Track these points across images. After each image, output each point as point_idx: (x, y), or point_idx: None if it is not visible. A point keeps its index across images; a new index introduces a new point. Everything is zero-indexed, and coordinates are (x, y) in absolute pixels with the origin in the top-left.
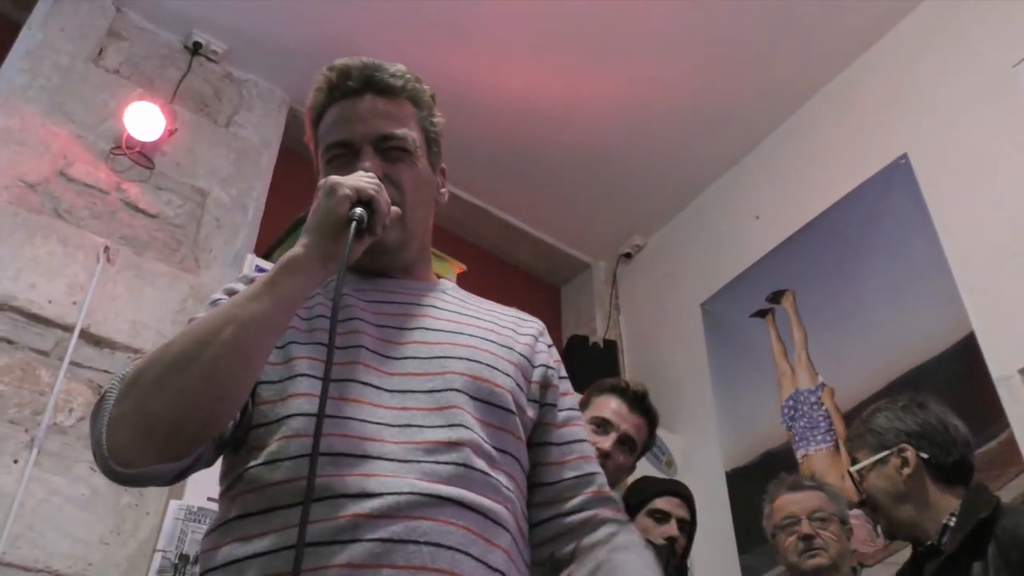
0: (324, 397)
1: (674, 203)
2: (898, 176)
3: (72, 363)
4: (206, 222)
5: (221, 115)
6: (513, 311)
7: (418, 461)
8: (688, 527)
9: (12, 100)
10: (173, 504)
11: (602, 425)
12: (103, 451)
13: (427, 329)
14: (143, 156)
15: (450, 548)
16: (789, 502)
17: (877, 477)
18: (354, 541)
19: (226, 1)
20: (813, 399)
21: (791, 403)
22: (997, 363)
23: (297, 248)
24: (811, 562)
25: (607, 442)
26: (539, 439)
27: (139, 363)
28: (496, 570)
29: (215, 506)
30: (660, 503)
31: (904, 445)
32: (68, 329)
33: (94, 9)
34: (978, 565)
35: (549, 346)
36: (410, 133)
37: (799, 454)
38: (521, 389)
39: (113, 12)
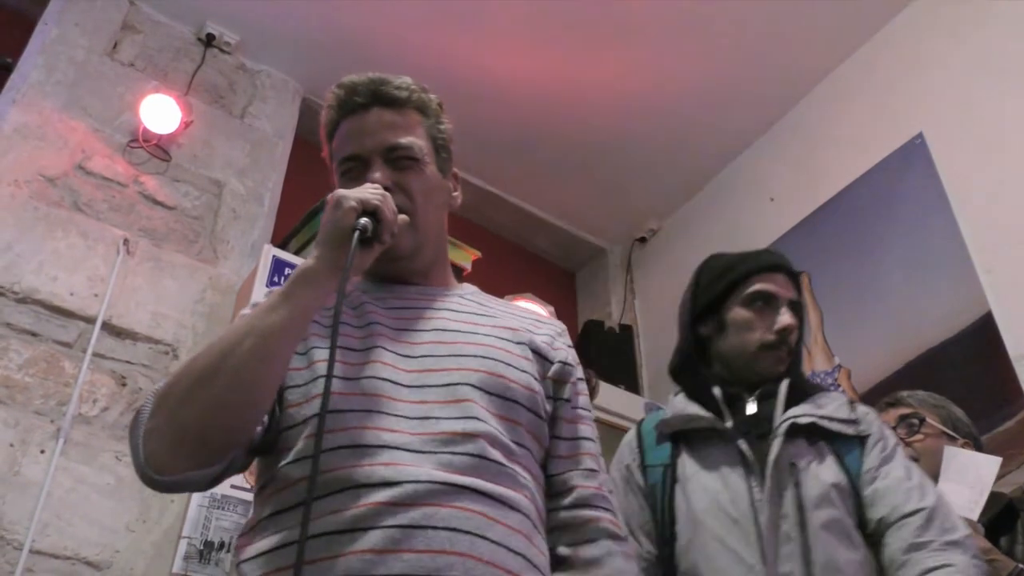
0: (327, 394)
1: (688, 187)
2: (914, 155)
3: (95, 354)
4: (223, 213)
5: (235, 106)
6: (533, 313)
7: (435, 452)
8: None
9: (30, 95)
10: (197, 492)
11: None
12: (140, 461)
13: (443, 330)
14: (160, 148)
15: (468, 532)
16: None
17: (935, 443)
18: (374, 528)
19: None
20: (829, 380)
21: None
22: (1015, 342)
23: (309, 260)
24: None
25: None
26: (552, 432)
27: (170, 378)
28: (516, 552)
29: (239, 494)
30: (759, 283)
31: (969, 442)
32: (90, 321)
33: (108, 3)
34: (1005, 539)
35: (568, 346)
36: (417, 141)
37: None
38: (537, 386)
39: (127, 5)
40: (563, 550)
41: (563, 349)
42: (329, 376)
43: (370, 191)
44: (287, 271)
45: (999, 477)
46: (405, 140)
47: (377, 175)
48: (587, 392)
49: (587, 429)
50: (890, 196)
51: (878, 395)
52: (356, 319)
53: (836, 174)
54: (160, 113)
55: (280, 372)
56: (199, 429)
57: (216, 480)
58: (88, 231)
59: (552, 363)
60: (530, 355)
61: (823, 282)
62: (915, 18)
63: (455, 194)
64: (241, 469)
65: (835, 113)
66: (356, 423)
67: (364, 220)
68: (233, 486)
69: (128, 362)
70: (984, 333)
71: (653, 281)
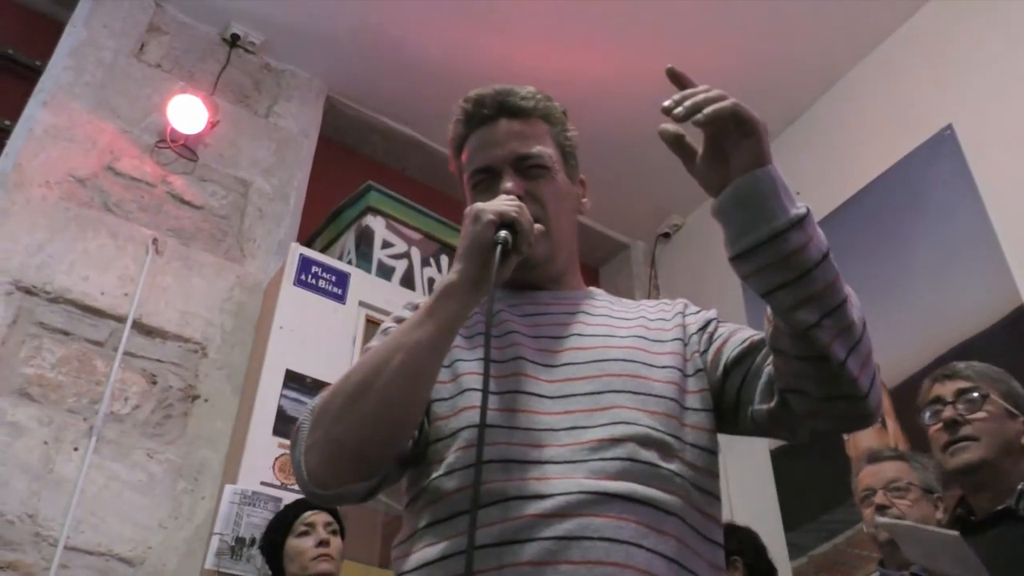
0: (484, 408)
1: None
2: (943, 148)
3: (126, 353)
4: (249, 212)
5: (260, 106)
6: (658, 302)
7: (584, 460)
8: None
9: (59, 97)
10: (228, 489)
11: None
12: (303, 476)
13: (581, 335)
14: (187, 149)
15: (623, 542)
16: (867, 475)
17: (998, 422)
18: (531, 540)
19: None
20: None
21: None
22: None
23: (451, 275)
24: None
25: None
26: (718, 368)
27: (325, 395)
28: (670, 559)
29: (268, 491)
30: None
31: None
32: (121, 320)
33: (134, 5)
34: None
35: (695, 312)
36: (545, 150)
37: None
38: (684, 371)
39: (153, 7)
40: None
41: (693, 322)
42: (486, 391)
43: (506, 203)
44: (314, 269)
45: None
46: (535, 149)
47: (509, 185)
48: (726, 323)
49: (724, 330)
50: (919, 189)
51: (907, 391)
52: (495, 329)
53: (863, 168)
54: (187, 113)
55: (429, 386)
56: (355, 444)
57: (373, 492)
58: (118, 231)
59: (689, 338)
60: (667, 348)
61: (850, 276)
62: (942, 8)
63: (584, 200)
64: (394, 481)
65: (862, 106)
66: (503, 438)
67: (504, 233)
68: (263, 483)
69: (158, 360)
70: (1017, 327)
71: (677, 276)
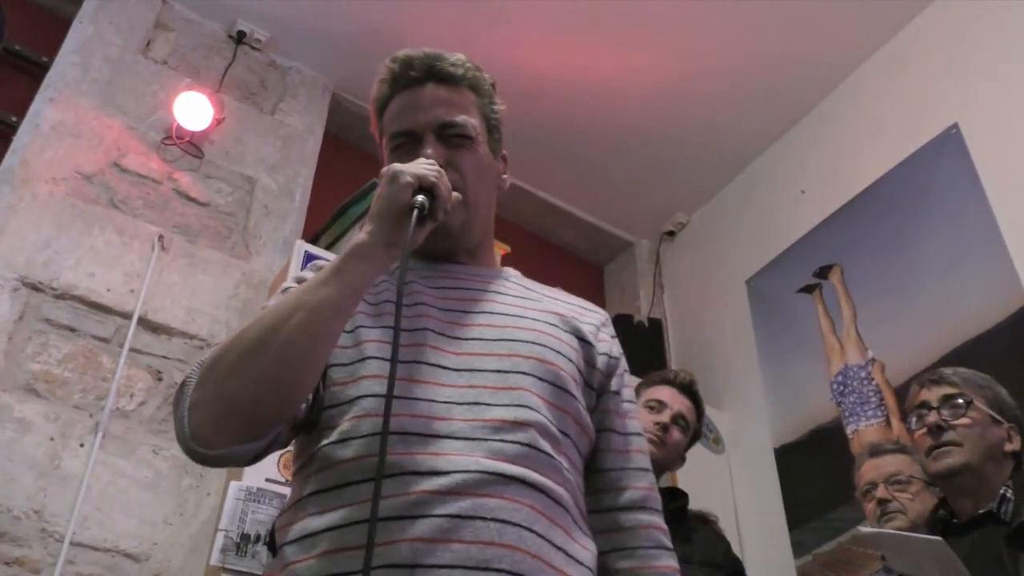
0: (392, 378)
1: (717, 179)
2: (948, 146)
3: (132, 349)
4: (255, 209)
5: (266, 103)
6: (577, 299)
7: (484, 439)
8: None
9: (66, 93)
10: (233, 485)
11: (657, 405)
12: (185, 433)
13: (492, 313)
14: (193, 145)
15: (516, 525)
16: (869, 468)
17: (981, 428)
18: (424, 516)
19: None
20: (863, 374)
21: (840, 379)
22: None
23: (362, 235)
24: (888, 526)
25: (665, 415)
26: (603, 425)
27: (216, 350)
28: (559, 548)
29: (273, 487)
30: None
31: (1014, 426)
32: (127, 316)
33: (141, 2)
34: None
35: (612, 336)
36: (471, 120)
37: (849, 430)
38: (582, 375)
39: (159, 4)
40: (614, 560)
41: (607, 340)
42: (394, 360)
43: (426, 167)
44: (318, 265)
45: None
46: (460, 119)
47: (430, 151)
48: (632, 384)
49: (636, 424)
50: (924, 188)
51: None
52: (404, 299)
53: (868, 166)
54: (193, 110)
55: (328, 348)
56: (245, 403)
57: (259, 455)
58: (124, 228)
59: (598, 353)
60: (575, 344)
61: (856, 275)
62: (947, 8)
63: (504, 176)
64: (284, 445)
65: (867, 104)
66: (403, 409)
67: (421, 197)
68: (268, 480)
69: (164, 357)
70: (1021, 325)
71: (682, 275)
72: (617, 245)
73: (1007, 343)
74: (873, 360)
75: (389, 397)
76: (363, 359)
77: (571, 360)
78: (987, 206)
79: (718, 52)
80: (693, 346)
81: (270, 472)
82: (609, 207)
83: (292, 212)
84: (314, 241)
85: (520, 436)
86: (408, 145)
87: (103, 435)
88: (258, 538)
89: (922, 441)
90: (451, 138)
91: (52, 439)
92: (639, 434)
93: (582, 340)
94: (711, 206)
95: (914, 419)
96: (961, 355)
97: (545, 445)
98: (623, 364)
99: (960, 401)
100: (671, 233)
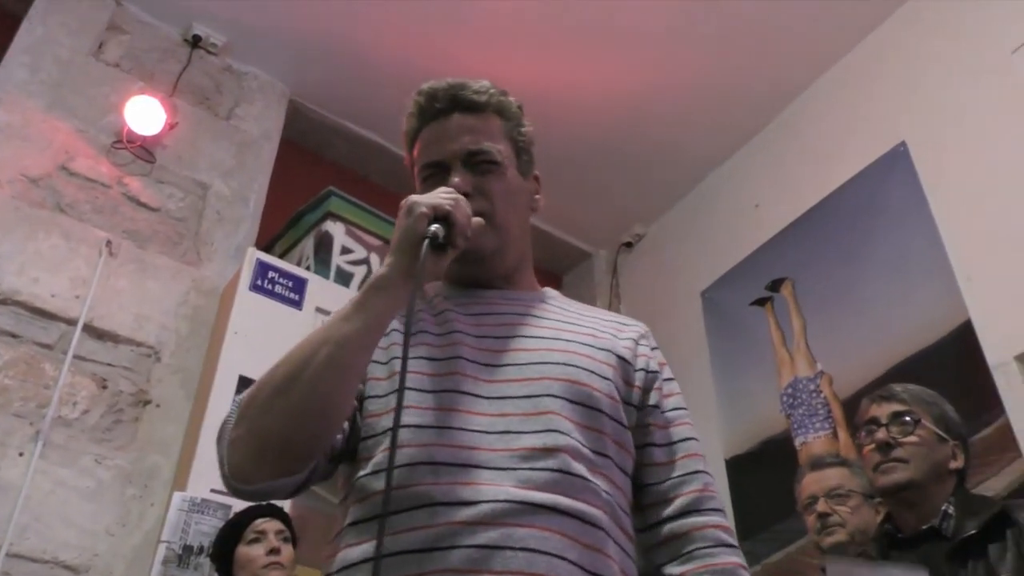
0: (399, 408)
1: (674, 192)
2: (897, 164)
3: (76, 356)
4: (208, 215)
5: (222, 108)
6: (615, 316)
7: (515, 468)
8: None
9: (14, 95)
10: (177, 496)
11: None
12: (225, 471)
13: (526, 337)
14: (144, 150)
15: (546, 553)
16: (810, 482)
17: (928, 446)
18: (453, 548)
19: None
20: (812, 387)
21: (790, 391)
22: (993, 350)
23: (382, 268)
24: (828, 540)
25: None
26: (643, 441)
27: (252, 388)
28: (595, 574)
29: (218, 498)
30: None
31: (959, 443)
32: (72, 323)
33: (94, 3)
34: (994, 547)
35: (653, 348)
36: (496, 146)
37: (798, 442)
38: (620, 393)
39: (113, 6)
40: (671, 568)
41: (646, 355)
42: (401, 389)
43: (442, 196)
44: (270, 274)
45: (977, 484)
46: (485, 145)
47: (456, 180)
48: (679, 392)
49: (683, 430)
50: (873, 204)
51: (859, 401)
52: (438, 327)
53: (820, 181)
54: (144, 114)
55: (356, 380)
56: (280, 438)
57: (300, 488)
58: (71, 232)
59: (635, 370)
60: (614, 361)
61: (806, 288)
62: (898, 28)
63: (537, 196)
64: (325, 477)
65: (820, 121)
66: (434, 439)
67: (435, 226)
68: (213, 490)
69: (110, 364)
70: (964, 340)
71: (639, 286)
72: (575, 255)
73: (949, 358)
74: (822, 373)
75: (395, 428)
76: (396, 390)
77: (607, 379)
78: (932, 223)
79: (675, 68)
80: None
81: (215, 482)
82: (568, 217)
83: (246, 219)
84: (268, 248)
85: (551, 463)
86: (438, 176)
87: (44, 444)
88: (201, 550)
89: (870, 457)
90: (478, 165)
91: None
92: (687, 439)
93: (620, 358)
94: (668, 218)
95: (863, 434)
96: (906, 369)
97: (579, 468)
98: (664, 373)
99: (908, 419)
100: (629, 244)
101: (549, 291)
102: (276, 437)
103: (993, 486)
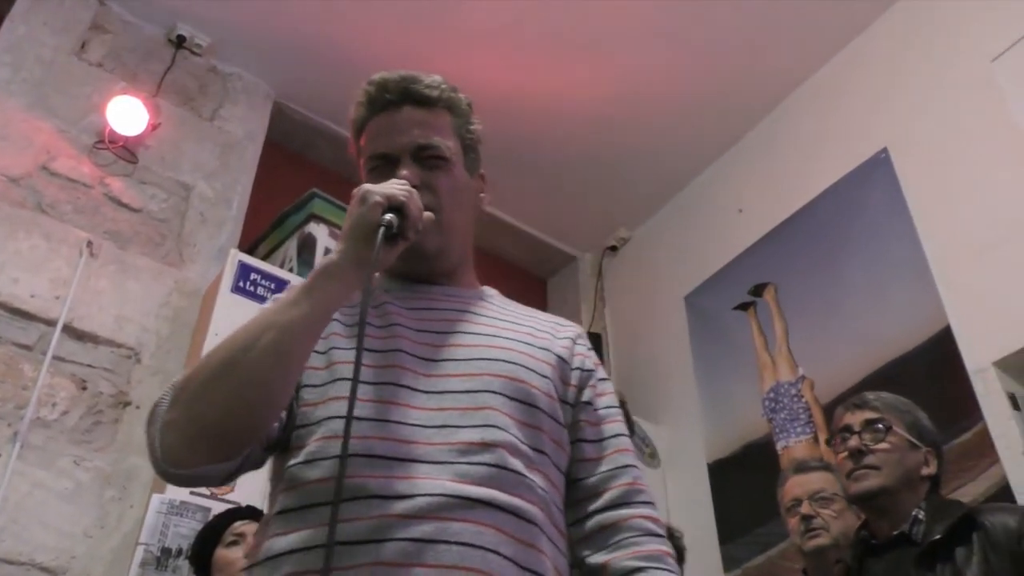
0: (352, 399)
1: (659, 196)
2: (878, 170)
3: (55, 357)
4: (190, 216)
5: (205, 109)
6: (552, 317)
7: (452, 462)
8: None
9: None
10: (155, 498)
11: None
12: (156, 454)
13: (466, 333)
14: (126, 150)
15: (480, 548)
16: (794, 485)
17: (899, 453)
18: (386, 540)
19: None
20: (793, 391)
21: (772, 395)
22: (972, 356)
23: (333, 254)
24: (810, 543)
25: None
26: (575, 437)
27: (188, 371)
28: (528, 570)
29: (198, 500)
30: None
31: (931, 450)
32: (51, 323)
33: (77, 2)
34: (961, 551)
35: (588, 349)
36: (445, 141)
37: (779, 446)
38: (558, 391)
39: (96, 5)
40: (598, 557)
41: (581, 354)
42: (355, 380)
43: (396, 187)
44: (253, 276)
45: (954, 489)
46: (435, 140)
47: (405, 172)
48: (612, 392)
49: (614, 427)
50: (855, 209)
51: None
52: (378, 319)
53: (803, 187)
54: (127, 114)
55: (299, 368)
56: (216, 423)
57: (232, 475)
58: (52, 233)
59: (572, 368)
60: (552, 360)
61: (789, 293)
62: (880, 35)
63: (483, 195)
64: (257, 465)
65: (802, 126)
66: (372, 432)
67: (390, 216)
68: (192, 492)
69: (89, 366)
70: (943, 346)
71: (623, 289)
72: (560, 259)
73: (929, 363)
74: (803, 377)
75: (349, 418)
76: (334, 380)
77: (545, 377)
78: (912, 228)
79: (660, 73)
80: (632, 360)
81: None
82: (552, 221)
83: (229, 220)
84: (252, 250)
85: (488, 457)
86: (385, 167)
87: (22, 445)
88: (179, 552)
89: (843, 464)
90: (427, 159)
91: None
92: (617, 435)
93: (558, 358)
94: (653, 222)
95: (837, 441)
96: (886, 374)
97: (515, 464)
98: (598, 374)
99: (880, 426)
100: (614, 248)
101: (488, 290)
102: (212, 423)
103: (971, 491)
